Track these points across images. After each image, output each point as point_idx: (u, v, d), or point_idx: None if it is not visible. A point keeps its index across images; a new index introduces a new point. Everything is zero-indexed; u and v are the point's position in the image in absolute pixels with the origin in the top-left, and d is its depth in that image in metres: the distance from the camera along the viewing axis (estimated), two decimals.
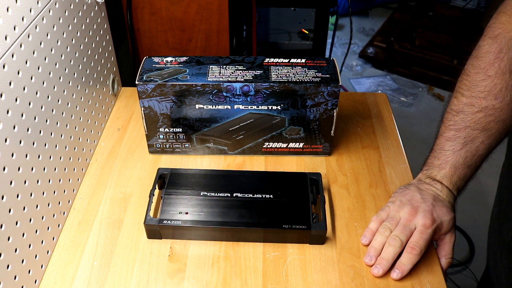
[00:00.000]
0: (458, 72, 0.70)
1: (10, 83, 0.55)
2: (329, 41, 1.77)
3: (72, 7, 0.72)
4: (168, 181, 0.72)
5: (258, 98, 0.73)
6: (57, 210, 0.69)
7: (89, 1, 0.79)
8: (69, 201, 0.73)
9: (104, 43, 0.87)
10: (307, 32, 1.78)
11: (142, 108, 0.76)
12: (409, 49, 2.47)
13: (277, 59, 0.76)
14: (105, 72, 0.88)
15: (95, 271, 0.65)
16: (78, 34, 0.75)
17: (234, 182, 0.72)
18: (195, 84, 0.72)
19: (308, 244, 0.68)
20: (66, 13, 0.70)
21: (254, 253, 0.67)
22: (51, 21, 0.66)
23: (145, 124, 0.78)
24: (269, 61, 0.76)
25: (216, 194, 0.70)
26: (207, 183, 0.72)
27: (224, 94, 0.73)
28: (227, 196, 0.70)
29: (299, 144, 0.80)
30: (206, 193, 0.71)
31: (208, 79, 0.72)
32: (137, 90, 0.73)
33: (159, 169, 0.74)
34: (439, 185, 0.69)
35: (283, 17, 1.77)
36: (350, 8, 1.83)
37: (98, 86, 0.85)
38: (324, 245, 0.68)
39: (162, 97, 0.74)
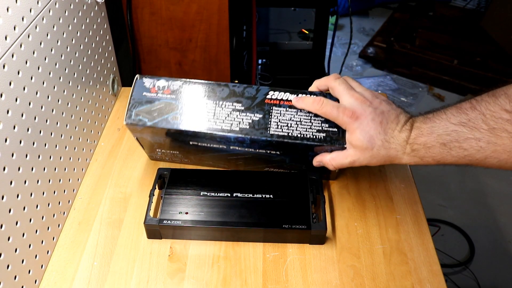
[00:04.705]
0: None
1: (10, 83, 0.55)
2: (329, 41, 1.77)
3: (72, 7, 0.72)
4: (168, 181, 0.72)
5: (255, 146, 0.67)
6: (57, 210, 0.69)
7: (89, 1, 0.79)
8: (69, 201, 0.74)
9: (104, 43, 0.87)
10: (307, 32, 1.77)
11: (136, 138, 0.72)
12: (409, 49, 2.47)
13: (282, 94, 0.66)
14: (105, 72, 0.88)
15: (95, 271, 0.65)
16: (78, 34, 0.75)
17: (234, 182, 0.72)
18: (186, 131, 0.66)
19: (308, 244, 0.68)
20: (66, 13, 0.70)
21: (254, 253, 0.67)
22: (51, 21, 0.66)
23: (142, 146, 0.76)
24: (273, 97, 0.66)
25: (216, 194, 0.70)
26: (207, 183, 0.72)
27: (218, 140, 0.67)
28: (227, 196, 0.70)
29: None
30: (206, 193, 0.71)
31: (201, 126, 0.65)
32: (128, 127, 0.68)
33: (159, 169, 0.74)
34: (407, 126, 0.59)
35: (283, 17, 1.77)
36: (350, 8, 1.83)
37: (98, 86, 0.85)
38: (324, 245, 0.68)
39: (154, 134, 0.69)
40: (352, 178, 0.79)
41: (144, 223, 0.67)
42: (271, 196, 0.70)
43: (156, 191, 0.72)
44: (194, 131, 0.65)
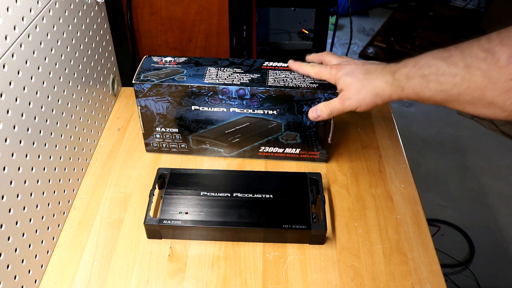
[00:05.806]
0: None
1: (10, 83, 0.55)
2: (329, 41, 1.77)
3: (72, 7, 0.72)
4: (168, 181, 0.72)
5: (254, 102, 0.73)
6: (57, 210, 0.69)
7: (89, 1, 0.79)
8: (69, 201, 0.74)
9: (104, 43, 0.87)
10: (307, 32, 1.78)
11: (139, 107, 0.76)
12: (409, 49, 2.47)
13: (277, 63, 0.76)
14: (105, 72, 0.88)
15: (95, 271, 0.65)
16: (78, 34, 0.75)
17: (234, 182, 0.72)
18: (190, 85, 0.72)
19: (308, 244, 0.68)
20: (66, 13, 0.70)
21: (254, 253, 0.67)
22: (51, 21, 0.66)
23: (141, 123, 0.78)
24: (268, 64, 0.75)
25: (216, 194, 0.70)
26: (207, 183, 0.72)
27: (220, 96, 0.73)
28: (227, 196, 0.70)
29: (296, 150, 0.80)
30: (206, 193, 0.71)
31: (204, 81, 0.72)
32: (134, 89, 0.73)
33: (159, 169, 0.74)
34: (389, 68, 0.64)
35: (283, 17, 1.77)
36: (350, 8, 1.83)
37: (98, 86, 0.85)
38: (324, 245, 0.68)
39: (159, 97, 0.74)
40: (352, 178, 0.79)
41: (144, 223, 0.67)
42: (271, 196, 0.70)
43: (156, 191, 0.72)
44: (199, 85, 0.72)
